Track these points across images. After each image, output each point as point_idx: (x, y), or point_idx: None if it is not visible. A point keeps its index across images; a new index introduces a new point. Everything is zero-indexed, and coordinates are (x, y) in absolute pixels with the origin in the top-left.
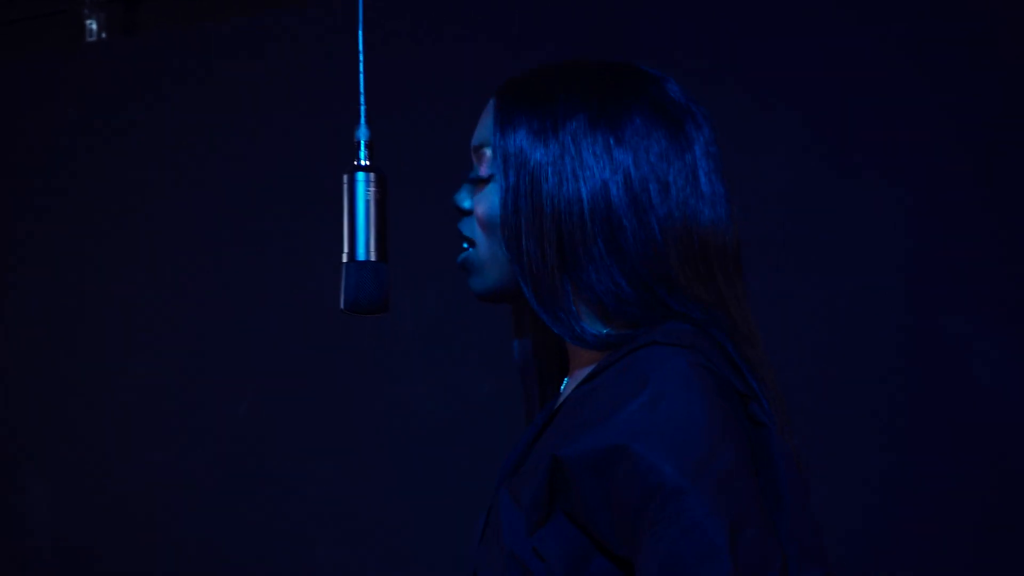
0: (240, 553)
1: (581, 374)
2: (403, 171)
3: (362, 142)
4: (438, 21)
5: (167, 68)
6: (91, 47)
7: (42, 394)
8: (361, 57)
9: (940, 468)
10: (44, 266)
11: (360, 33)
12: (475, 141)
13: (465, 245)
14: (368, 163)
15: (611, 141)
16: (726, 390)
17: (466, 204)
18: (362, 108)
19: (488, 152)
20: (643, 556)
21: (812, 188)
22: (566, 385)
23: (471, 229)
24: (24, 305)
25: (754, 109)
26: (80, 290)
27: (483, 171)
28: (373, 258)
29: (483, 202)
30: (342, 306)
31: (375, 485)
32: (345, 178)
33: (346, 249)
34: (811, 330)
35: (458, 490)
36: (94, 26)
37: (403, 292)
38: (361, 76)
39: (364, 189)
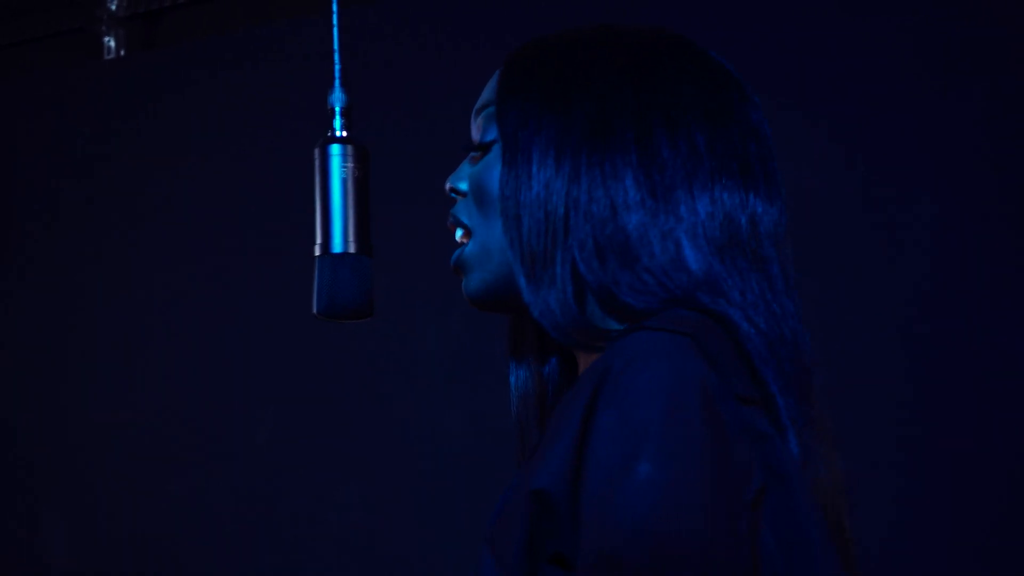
0: None
1: (575, 360)
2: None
3: (336, 108)
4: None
5: (186, 82)
6: (110, 64)
7: (56, 427)
8: (335, 7)
9: (955, 474)
10: (59, 286)
11: None
12: (477, 105)
13: (459, 237)
14: (345, 134)
15: (647, 83)
16: (719, 391)
17: (463, 185)
18: (336, 68)
19: (488, 113)
20: None
21: (834, 190)
22: (572, 375)
23: (468, 213)
24: (37, 334)
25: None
26: (94, 314)
27: (483, 137)
28: (352, 250)
29: (481, 174)
30: (315, 310)
31: (392, 513)
32: (316, 152)
33: (318, 240)
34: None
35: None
36: (112, 43)
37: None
38: (335, 30)
39: (340, 165)
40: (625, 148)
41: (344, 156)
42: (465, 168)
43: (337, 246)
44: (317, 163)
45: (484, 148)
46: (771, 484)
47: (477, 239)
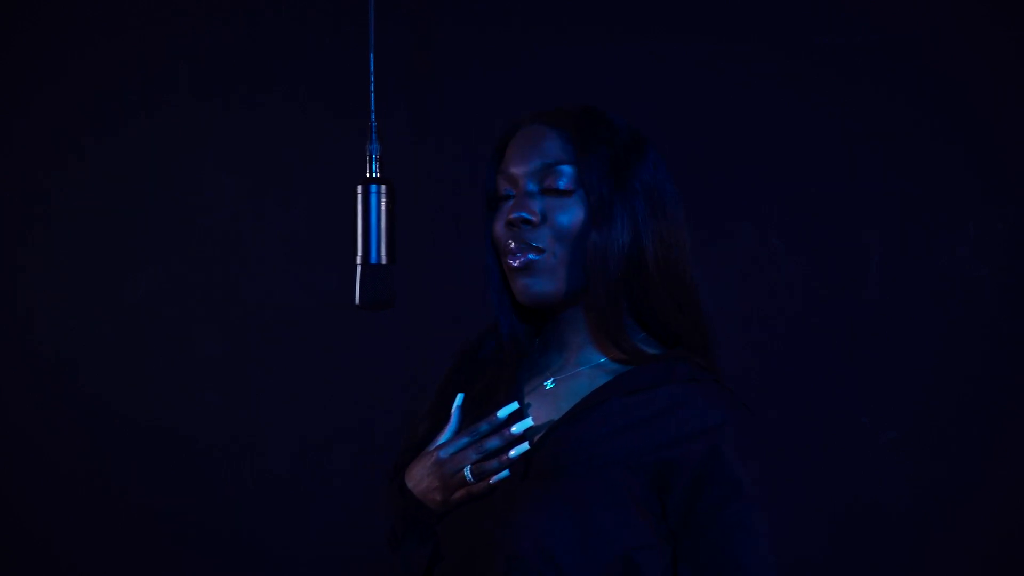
0: None
1: (595, 364)
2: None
3: (374, 156)
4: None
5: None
6: None
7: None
8: (372, 78)
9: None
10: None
11: (371, 56)
12: (547, 159)
13: (521, 248)
14: (379, 175)
15: (667, 190)
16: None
17: (535, 217)
18: (373, 124)
19: (565, 170)
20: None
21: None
22: (575, 371)
23: (542, 238)
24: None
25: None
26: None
27: (561, 185)
28: (384, 261)
29: (567, 214)
30: (357, 302)
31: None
32: (359, 189)
33: (360, 253)
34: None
35: None
36: None
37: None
38: (372, 96)
39: (375, 200)
40: (663, 211)
41: (379, 193)
42: (535, 203)
43: (374, 258)
44: (359, 197)
45: (562, 194)
46: None
47: (554, 257)
